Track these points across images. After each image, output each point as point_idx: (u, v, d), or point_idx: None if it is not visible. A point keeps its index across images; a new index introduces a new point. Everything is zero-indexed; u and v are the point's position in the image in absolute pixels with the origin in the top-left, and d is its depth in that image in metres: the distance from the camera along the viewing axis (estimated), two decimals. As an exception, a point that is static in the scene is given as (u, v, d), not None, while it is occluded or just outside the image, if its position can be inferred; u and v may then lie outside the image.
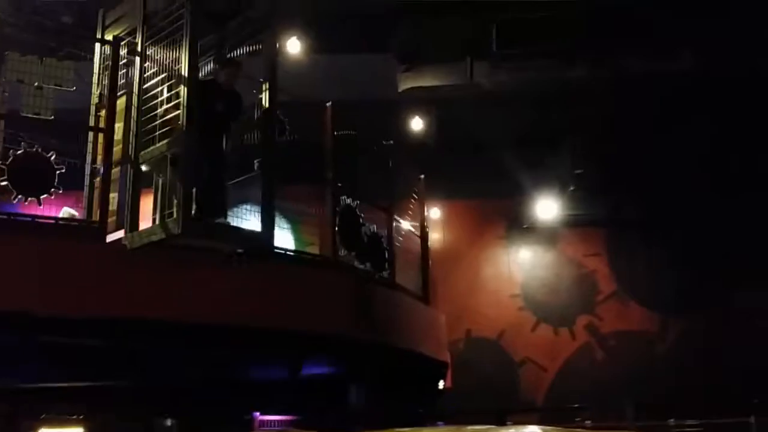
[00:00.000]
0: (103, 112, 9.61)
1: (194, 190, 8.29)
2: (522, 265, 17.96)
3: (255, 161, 8.78)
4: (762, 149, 16.27)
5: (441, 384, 15.13)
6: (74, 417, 13.19)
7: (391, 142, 12.79)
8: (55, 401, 13.08)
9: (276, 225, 9.18)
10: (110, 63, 9.51)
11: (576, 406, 14.46)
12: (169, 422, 13.17)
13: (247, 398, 13.03)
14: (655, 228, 17.38)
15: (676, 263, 17.28)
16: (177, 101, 8.45)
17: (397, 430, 4.59)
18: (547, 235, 17.86)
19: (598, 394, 15.67)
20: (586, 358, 17.37)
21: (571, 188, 17.12)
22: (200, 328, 9.06)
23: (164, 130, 8.58)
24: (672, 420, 12.33)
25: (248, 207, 9.08)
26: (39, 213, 9.09)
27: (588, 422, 12.53)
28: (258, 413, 11.75)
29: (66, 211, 9.93)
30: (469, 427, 4.09)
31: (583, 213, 17.54)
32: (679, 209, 17.21)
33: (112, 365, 9.22)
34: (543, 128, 16.73)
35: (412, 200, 14.26)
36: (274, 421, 11.62)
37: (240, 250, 8.63)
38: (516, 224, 18.00)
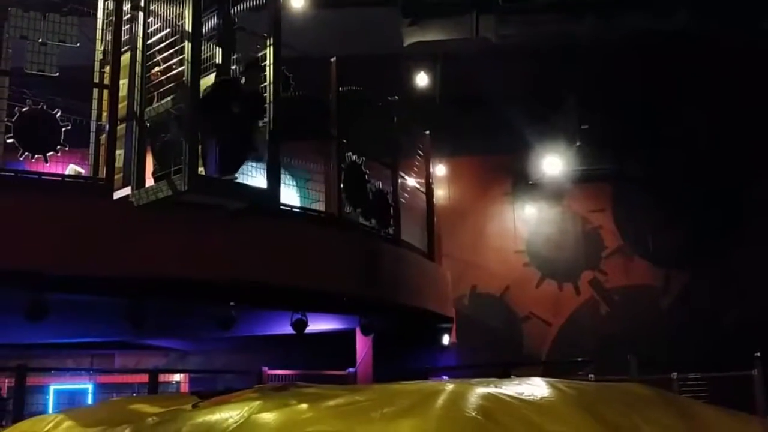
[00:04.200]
0: (107, 69, 9.55)
1: (200, 146, 8.30)
2: (527, 221, 17.97)
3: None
4: (764, 106, 16.15)
5: (446, 339, 15.27)
6: (83, 370, 13.41)
7: (396, 97, 12.71)
8: (63, 356, 13.27)
9: (281, 182, 9.19)
10: (114, 18, 9.43)
11: (580, 360, 14.56)
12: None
13: (255, 353, 13.20)
14: (660, 183, 17.35)
15: (680, 218, 17.28)
16: (181, 57, 8.43)
17: (403, 383, 4.64)
18: (553, 191, 17.83)
19: (602, 348, 15.80)
20: (590, 313, 17.47)
21: (577, 143, 17.04)
22: (207, 284, 9.13)
23: (169, 86, 8.59)
24: (675, 373, 12.40)
25: (254, 164, 9.07)
26: (45, 170, 9.11)
27: (591, 376, 12.63)
28: (266, 367, 11.88)
29: (72, 169, 9.93)
30: (474, 380, 4.13)
31: (588, 168, 17.49)
32: (683, 164, 17.16)
33: (120, 322, 9.28)
34: (549, 83, 16.59)
35: (418, 156, 14.23)
36: (281, 375, 11.75)
37: None
38: (522, 180, 17.96)
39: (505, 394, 3.26)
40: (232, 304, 9.73)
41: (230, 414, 4.02)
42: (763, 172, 16.64)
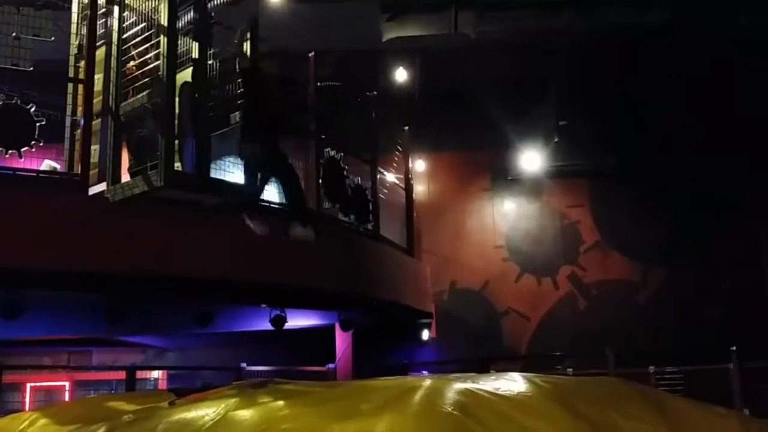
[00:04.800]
0: (82, 63, 9.47)
1: (177, 142, 8.24)
2: (506, 216, 18.01)
3: (236, 113, 8.68)
4: (744, 101, 16.26)
5: (426, 334, 15.29)
6: (60, 368, 13.30)
7: (375, 93, 12.69)
8: (40, 354, 13.16)
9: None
10: (89, 12, 9.34)
11: (558, 354, 14.61)
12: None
13: (234, 349, 13.14)
14: (638, 179, 17.43)
15: (659, 214, 17.39)
16: (157, 51, 8.36)
17: (381, 379, 4.62)
18: (532, 187, 17.88)
19: (580, 342, 15.86)
20: (568, 307, 17.54)
21: (555, 139, 17.08)
22: (185, 280, 9.08)
23: (144, 80, 8.52)
24: (652, 367, 12.49)
25: (231, 159, 9.02)
26: (20, 166, 9.02)
27: (569, 370, 12.68)
28: (245, 364, 11.83)
29: (47, 164, 9.83)
30: (452, 375, 4.11)
31: (567, 164, 17.55)
32: (661, 160, 17.25)
33: (95, 318, 9.21)
34: (528, 79, 16.61)
35: (397, 152, 14.23)
36: (260, 371, 11.71)
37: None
38: (501, 176, 17.99)
39: (481, 390, 3.26)
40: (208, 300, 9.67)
41: (206, 411, 3.99)
42: (742, 167, 16.76)
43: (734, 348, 12.03)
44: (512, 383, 3.84)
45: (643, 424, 2.84)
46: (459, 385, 3.03)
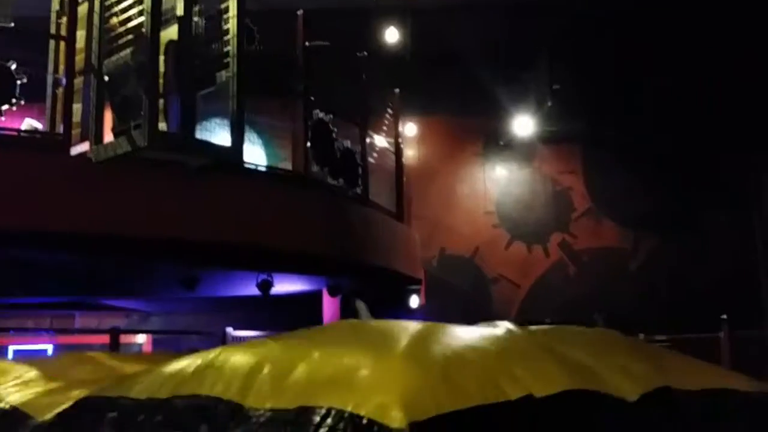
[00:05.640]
0: (64, 19, 9.19)
1: (161, 101, 8.03)
2: (497, 182, 17.87)
3: (221, 72, 8.44)
4: (744, 68, 16.08)
5: (415, 301, 15.19)
6: (43, 332, 13.16)
7: (366, 53, 12.42)
8: (23, 317, 13.00)
9: (246, 139, 8.94)
10: (70, -34, 9.04)
11: (548, 320, 14.55)
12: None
13: (220, 314, 13.02)
14: (631, 145, 17.30)
15: (651, 181, 17.29)
16: (141, 8, 8.11)
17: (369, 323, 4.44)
18: (524, 152, 17.72)
19: (570, 309, 15.84)
20: (558, 274, 17.50)
21: (549, 104, 16.88)
22: (170, 243, 8.90)
23: (128, 38, 8.27)
24: (641, 335, 12.44)
25: (218, 120, 8.81)
26: (0, 125, 8.79)
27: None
28: (230, 328, 11.71)
29: (28, 123, 9.60)
30: (440, 324, 4.01)
31: (559, 129, 17.38)
32: (655, 126, 17.11)
33: (78, 281, 9.04)
34: (522, 42, 16.38)
35: (387, 115, 14.00)
36: (246, 336, 11.59)
37: None
38: (493, 141, 17.81)
39: (471, 335, 3.16)
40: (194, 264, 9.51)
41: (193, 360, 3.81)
42: (738, 136, 16.62)
43: (725, 316, 12.00)
44: (499, 330, 3.72)
45: (633, 370, 2.73)
46: (448, 330, 2.96)
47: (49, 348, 13.15)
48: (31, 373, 4.16)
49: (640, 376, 2.71)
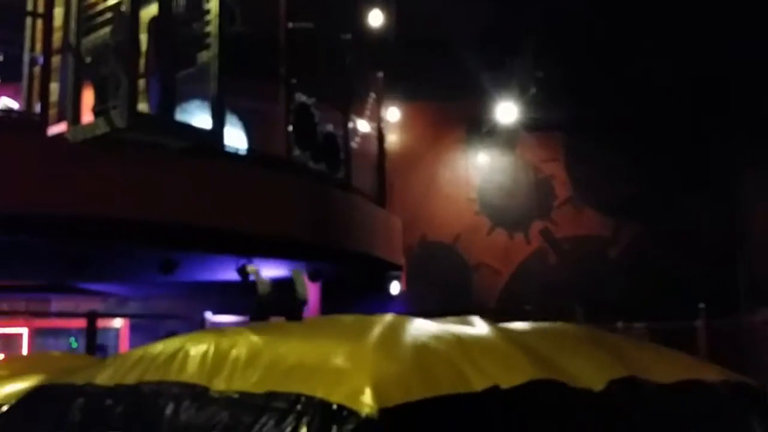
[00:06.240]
0: (41, -4, 9.03)
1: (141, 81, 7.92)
2: (480, 169, 17.84)
3: (202, 53, 8.33)
4: (730, 54, 16.08)
5: (396, 287, 15.18)
6: (18, 314, 13.02)
7: (349, 36, 12.33)
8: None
9: (227, 122, 8.84)
10: (48, -58, 8.88)
11: (528, 307, 14.59)
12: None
13: (199, 299, 12.93)
14: (614, 133, 17.30)
15: (633, 169, 17.30)
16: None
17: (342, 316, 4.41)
18: (506, 139, 17.68)
19: (551, 297, 15.86)
20: (539, 262, 17.52)
21: (533, 91, 16.84)
22: (148, 226, 8.81)
23: (108, 15, 8.13)
24: (620, 323, 12.49)
25: (198, 102, 8.72)
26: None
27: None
28: (209, 313, 11.64)
29: (4, 103, 9.46)
30: (411, 317, 4.01)
31: (542, 117, 17.34)
32: (638, 115, 17.11)
33: (53, 264, 8.94)
34: (506, 27, 16.30)
35: (370, 100, 13.92)
36: (226, 321, 11.53)
37: None
38: (476, 127, 17.75)
39: (441, 328, 3.16)
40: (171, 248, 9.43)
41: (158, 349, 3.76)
42: (720, 122, 16.65)
43: (702, 305, 12.04)
44: (471, 326, 3.72)
45: (598, 362, 2.73)
46: (418, 322, 2.97)
47: (25, 331, 13.04)
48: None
49: (606, 366, 2.70)
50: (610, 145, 17.27)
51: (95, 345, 10.92)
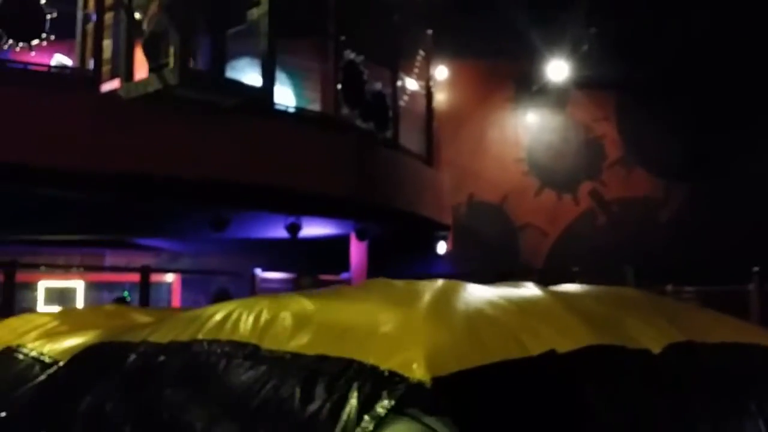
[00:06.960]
0: (94, -46, 9.08)
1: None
2: (529, 128, 17.60)
3: (252, 10, 8.30)
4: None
5: (442, 247, 15.17)
6: (72, 268, 13.30)
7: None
8: (53, 254, 13.15)
9: (276, 80, 8.84)
10: None
11: (575, 269, 14.47)
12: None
13: (248, 256, 13.08)
14: (666, 93, 16.90)
15: (685, 130, 16.91)
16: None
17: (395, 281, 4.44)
18: (557, 98, 17.38)
19: (599, 259, 15.69)
20: (588, 223, 17.31)
21: (585, 48, 16.47)
22: (198, 183, 8.91)
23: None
24: (670, 286, 12.31)
25: (248, 60, 8.72)
26: (31, 61, 8.78)
27: (586, 286, 12.53)
28: (259, 270, 11.77)
29: (58, 60, 9.58)
30: (463, 282, 3.98)
31: (594, 75, 16.97)
32: (690, 75, 16.69)
33: (109, 219, 9.09)
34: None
35: (418, 58, 13.78)
36: (275, 278, 11.66)
37: None
38: (525, 86, 17.46)
39: (494, 293, 3.16)
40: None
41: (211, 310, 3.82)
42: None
43: (756, 269, 11.81)
44: (525, 290, 3.69)
45: (656, 323, 2.71)
46: (471, 288, 2.95)
47: (79, 285, 13.34)
48: (54, 323, 4.17)
49: (663, 329, 2.67)
50: (662, 104, 16.89)
51: (148, 299, 11.12)
